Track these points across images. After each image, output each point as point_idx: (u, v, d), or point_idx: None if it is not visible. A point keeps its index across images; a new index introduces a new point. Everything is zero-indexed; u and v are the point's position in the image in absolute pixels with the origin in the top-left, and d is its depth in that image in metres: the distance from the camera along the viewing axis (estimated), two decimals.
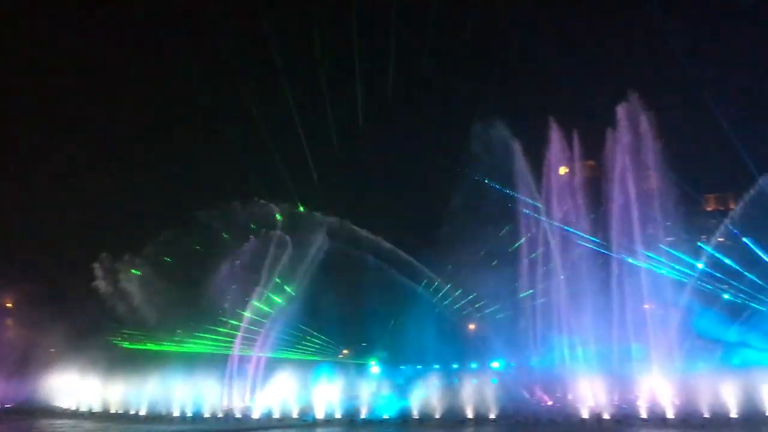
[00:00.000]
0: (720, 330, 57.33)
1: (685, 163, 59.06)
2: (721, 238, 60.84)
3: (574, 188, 58.95)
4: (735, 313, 58.49)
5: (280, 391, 55.60)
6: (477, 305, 61.69)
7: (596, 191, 58.53)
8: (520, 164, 58.13)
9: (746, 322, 58.22)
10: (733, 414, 45.67)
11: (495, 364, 59.26)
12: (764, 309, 58.77)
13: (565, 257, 56.83)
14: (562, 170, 60.59)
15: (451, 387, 52.92)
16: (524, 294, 58.34)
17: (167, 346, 65.11)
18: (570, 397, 51.18)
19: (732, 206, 64.23)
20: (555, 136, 57.91)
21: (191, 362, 59.87)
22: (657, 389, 48.66)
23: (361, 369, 64.27)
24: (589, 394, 49.45)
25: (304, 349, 64.13)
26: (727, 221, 58.60)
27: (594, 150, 59.65)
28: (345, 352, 67.61)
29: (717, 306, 57.63)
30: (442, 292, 63.77)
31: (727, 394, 46.10)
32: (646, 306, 56.11)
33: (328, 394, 54.20)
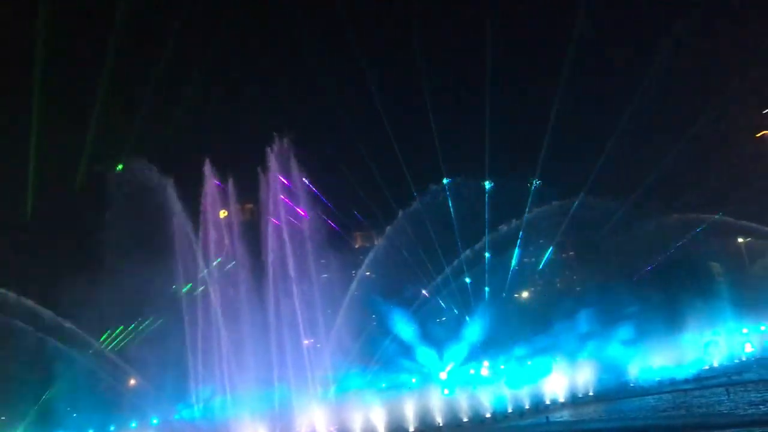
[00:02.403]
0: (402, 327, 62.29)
1: (339, 202, 63.93)
2: (367, 272, 66.88)
3: (233, 232, 59.30)
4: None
5: None
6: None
7: (256, 234, 59.73)
8: (175, 207, 56.53)
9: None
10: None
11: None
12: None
13: (226, 303, 56.64)
14: (222, 214, 60.66)
15: None
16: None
17: None
18: None
19: (377, 242, 71.39)
20: (210, 179, 57.79)
21: None
22: (315, 419, 51.05)
23: None
24: None
25: None
26: (370, 256, 64.80)
27: (253, 192, 61.07)
28: None
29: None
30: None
31: (375, 415, 50.56)
32: (306, 342, 58.79)
33: None
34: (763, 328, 76.77)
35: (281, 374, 55.17)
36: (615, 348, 62.60)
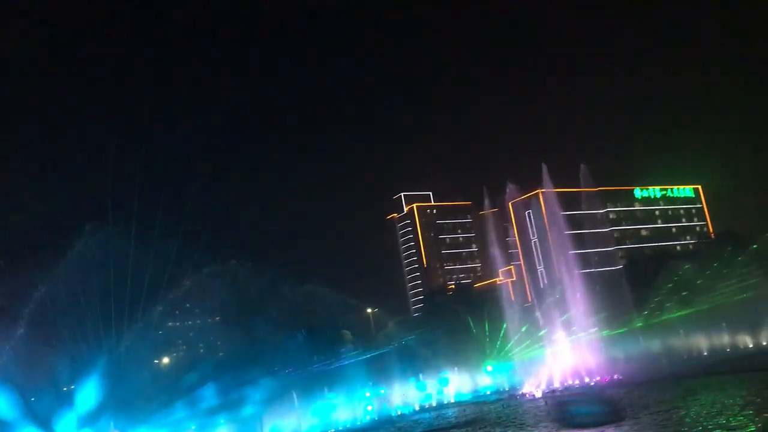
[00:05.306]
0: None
1: None
2: None
3: None
4: None
5: None
6: None
7: None
8: None
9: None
10: None
11: None
12: None
13: None
14: None
15: None
16: None
17: None
18: None
19: None
20: None
21: None
22: None
23: None
24: None
25: None
26: None
27: None
28: None
29: None
30: None
31: None
32: None
33: None
34: (383, 391, 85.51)
35: None
36: (247, 412, 63.69)
